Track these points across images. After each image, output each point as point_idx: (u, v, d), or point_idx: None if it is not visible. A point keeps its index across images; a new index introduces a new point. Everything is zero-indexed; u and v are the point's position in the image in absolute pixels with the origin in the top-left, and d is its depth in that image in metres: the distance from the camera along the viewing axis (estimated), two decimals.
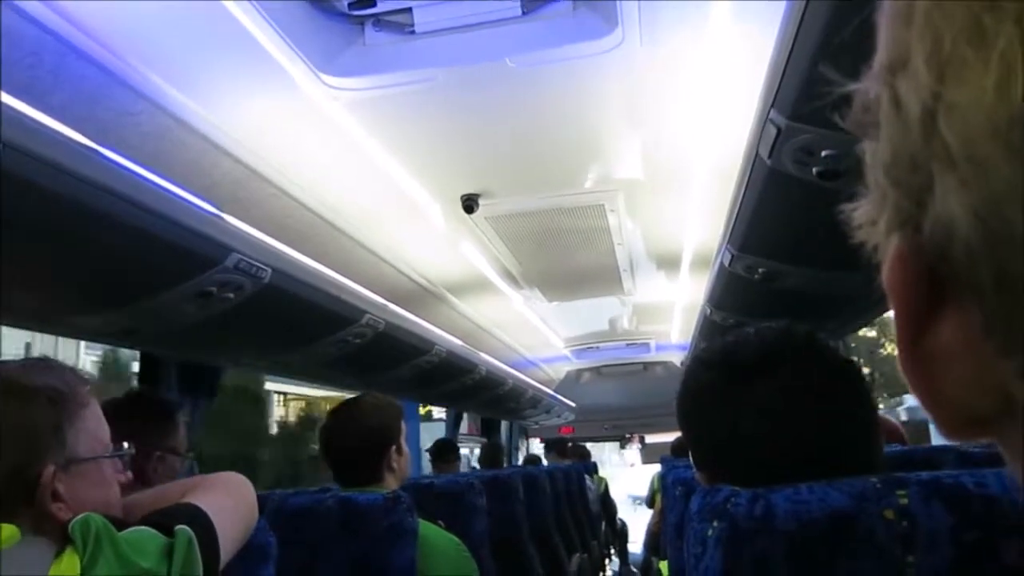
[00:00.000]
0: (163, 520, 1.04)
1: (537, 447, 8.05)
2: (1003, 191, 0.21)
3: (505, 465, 6.35)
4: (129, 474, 1.17)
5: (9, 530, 0.92)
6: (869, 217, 0.28)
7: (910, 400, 9.26)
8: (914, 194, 0.24)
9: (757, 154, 1.58)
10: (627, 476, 10.99)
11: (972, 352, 0.24)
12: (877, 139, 0.27)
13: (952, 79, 0.22)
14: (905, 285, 0.26)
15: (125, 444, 1.17)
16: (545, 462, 6.53)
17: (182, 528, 1.03)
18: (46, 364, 1.08)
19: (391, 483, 1.86)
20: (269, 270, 1.86)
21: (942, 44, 0.22)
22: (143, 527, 1.01)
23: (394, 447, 1.86)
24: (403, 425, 1.93)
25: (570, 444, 7.15)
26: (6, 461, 0.98)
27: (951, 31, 0.22)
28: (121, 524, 1.00)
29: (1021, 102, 0.20)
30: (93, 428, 1.08)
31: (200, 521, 1.06)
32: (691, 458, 0.99)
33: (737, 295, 2.66)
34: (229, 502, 1.16)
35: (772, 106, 1.37)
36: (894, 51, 0.25)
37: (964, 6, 0.22)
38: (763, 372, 0.85)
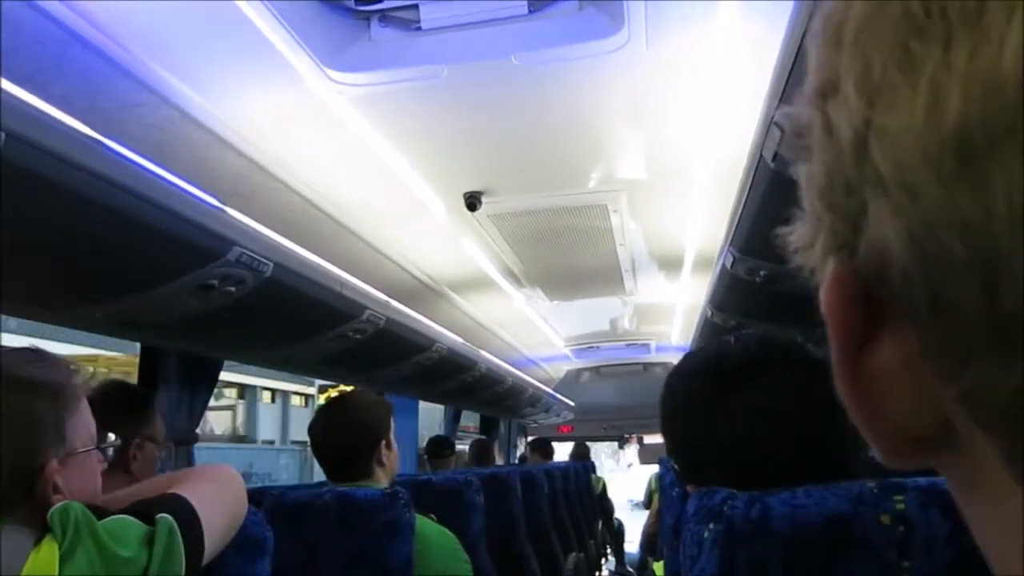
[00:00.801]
0: (145, 509, 1.03)
1: None
2: (936, 215, 0.21)
3: (502, 463, 6.34)
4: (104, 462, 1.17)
5: None
6: (805, 241, 0.28)
7: None
8: (849, 218, 0.24)
9: (761, 156, 1.57)
10: (624, 480, 10.92)
11: (909, 375, 0.24)
12: (811, 163, 0.27)
13: (882, 104, 0.22)
14: (842, 309, 0.26)
15: (111, 436, 1.18)
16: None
17: (163, 517, 1.02)
18: (40, 355, 1.08)
19: (381, 478, 1.87)
20: (271, 264, 1.86)
21: (871, 69, 0.22)
22: (123, 516, 1.00)
23: (384, 442, 1.88)
24: (392, 421, 1.95)
25: (557, 445, 7.07)
26: (11, 455, 0.98)
27: (880, 56, 0.22)
28: (102, 513, 1.00)
29: (950, 127, 0.20)
30: (86, 420, 1.09)
31: (183, 511, 1.05)
32: (675, 470, 0.99)
33: (738, 297, 2.65)
34: (215, 494, 1.15)
35: (777, 108, 1.37)
36: (825, 75, 0.25)
37: (891, 31, 0.22)
38: (747, 378, 0.85)
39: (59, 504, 0.95)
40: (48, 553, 0.91)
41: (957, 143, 0.20)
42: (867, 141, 0.23)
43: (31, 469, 0.99)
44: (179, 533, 1.02)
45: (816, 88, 0.26)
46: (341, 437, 1.88)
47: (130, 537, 0.98)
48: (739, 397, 0.85)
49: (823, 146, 0.25)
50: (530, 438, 7.60)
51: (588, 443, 7.89)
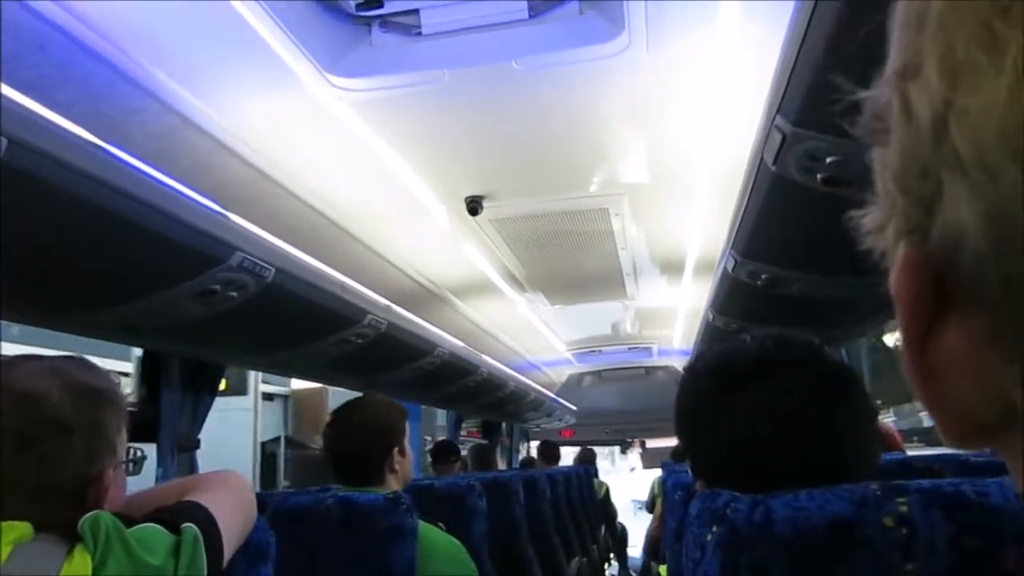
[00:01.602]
0: (170, 518, 1.04)
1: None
2: (1013, 197, 0.21)
3: (504, 468, 6.33)
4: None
5: (23, 528, 0.93)
6: (877, 224, 0.28)
7: None
8: (923, 201, 0.24)
9: (762, 160, 1.58)
10: (619, 485, 10.88)
11: (977, 360, 0.24)
12: (887, 146, 0.27)
13: (964, 85, 0.22)
14: (912, 292, 0.26)
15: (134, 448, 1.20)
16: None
17: (189, 526, 1.03)
18: (89, 364, 1.09)
19: (393, 484, 1.85)
20: (273, 269, 1.86)
21: (954, 50, 0.22)
22: (151, 524, 1.02)
23: (397, 448, 1.86)
24: (407, 426, 1.93)
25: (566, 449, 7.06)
26: (78, 461, 0.99)
27: (963, 37, 0.22)
28: (128, 521, 1.01)
29: None
30: (126, 430, 1.10)
31: (204, 519, 1.06)
32: (689, 466, 0.99)
33: (740, 301, 2.65)
34: (230, 501, 1.16)
35: (778, 112, 1.37)
36: (906, 57, 0.25)
37: (976, 12, 0.22)
38: (760, 378, 0.85)
39: (90, 514, 0.96)
40: (81, 562, 0.92)
41: None
42: (947, 122, 0.23)
43: (89, 477, 1.00)
44: (203, 542, 1.02)
45: (897, 69, 0.26)
46: (353, 442, 1.86)
47: (158, 546, 0.99)
48: (744, 397, 0.85)
49: (901, 128, 0.25)
50: (533, 442, 7.60)
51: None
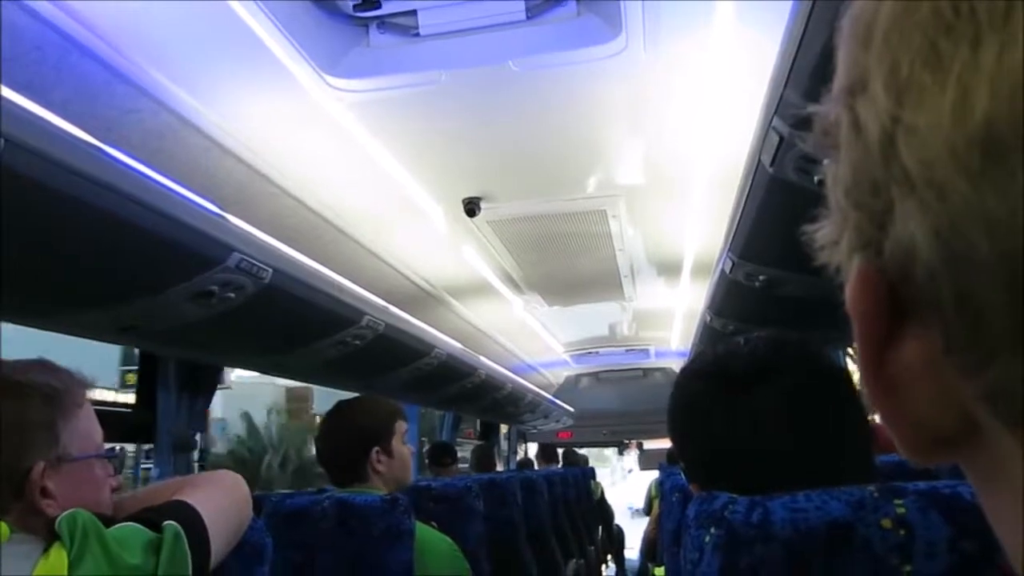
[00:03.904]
0: (151, 516, 1.04)
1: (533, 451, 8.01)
2: (963, 213, 0.21)
3: (501, 468, 6.34)
4: (120, 478, 1.18)
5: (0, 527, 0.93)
6: (831, 238, 0.28)
7: None
8: (875, 216, 0.24)
9: (759, 161, 1.58)
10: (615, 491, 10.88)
11: (933, 372, 0.24)
12: (837, 161, 0.27)
13: (910, 103, 0.22)
14: (867, 306, 0.26)
15: (117, 447, 1.18)
16: (537, 466, 6.52)
17: (170, 524, 1.03)
18: (43, 364, 1.09)
19: (378, 484, 1.84)
20: (270, 270, 1.86)
21: (900, 67, 0.23)
22: (130, 523, 1.02)
23: (377, 448, 1.85)
24: (398, 427, 1.91)
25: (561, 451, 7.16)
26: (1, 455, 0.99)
27: (908, 55, 0.22)
28: (110, 521, 1.00)
29: (977, 125, 0.20)
30: (86, 428, 1.09)
31: (189, 518, 1.06)
32: (683, 469, 0.99)
33: (738, 302, 2.66)
34: (221, 500, 1.16)
35: (775, 114, 1.38)
36: (853, 74, 0.25)
37: (921, 30, 0.22)
38: (756, 381, 0.85)
39: (67, 512, 0.96)
40: (57, 559, 0.92)
41: (984, 141, 0.20)
42: (895, 138, 0.23)
43: (18, 471, 1.00)
44: (185, 540, 1.02)
45: (844, 86, 0.26)
46: (334, 441, 1.89)
47: (136, 544, 0.99)
48: (739, 400, 0.85)
49: (850, 144, 0.25)
50: (530, 444, 7.61)
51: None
